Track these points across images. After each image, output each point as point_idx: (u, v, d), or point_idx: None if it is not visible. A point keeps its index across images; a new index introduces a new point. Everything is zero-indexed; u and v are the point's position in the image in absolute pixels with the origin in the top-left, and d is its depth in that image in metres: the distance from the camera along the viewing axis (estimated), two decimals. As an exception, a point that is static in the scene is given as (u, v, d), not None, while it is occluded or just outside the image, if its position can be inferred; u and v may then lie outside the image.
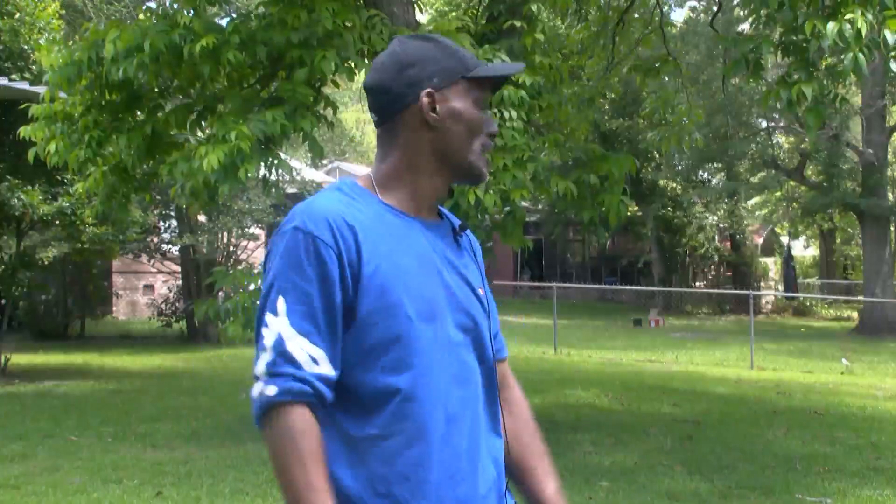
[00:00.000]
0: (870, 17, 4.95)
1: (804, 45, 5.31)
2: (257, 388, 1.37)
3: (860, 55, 4.93)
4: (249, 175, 5.68)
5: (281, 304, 1.37)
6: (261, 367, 1.37)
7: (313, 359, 1.36)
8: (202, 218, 15.18)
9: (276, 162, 6.02)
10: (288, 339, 1.36)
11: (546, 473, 1.63)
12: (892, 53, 5.07)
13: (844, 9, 4.99)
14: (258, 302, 1.43)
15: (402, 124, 1.49)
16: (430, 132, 1.48)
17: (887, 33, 4.92)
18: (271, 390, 1.35)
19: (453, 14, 15.79)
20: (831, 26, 4.92)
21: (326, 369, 1.37)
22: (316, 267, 1.37)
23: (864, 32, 4.89)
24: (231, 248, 16.02)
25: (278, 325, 1.36)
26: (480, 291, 1.55)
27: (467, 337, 1.49)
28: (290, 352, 1.35)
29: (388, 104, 1.50)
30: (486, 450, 1.50)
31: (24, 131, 6.81)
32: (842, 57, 5.04)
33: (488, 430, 1.52)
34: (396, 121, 1.50)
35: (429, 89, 1.47)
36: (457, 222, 1.59)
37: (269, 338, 1.37)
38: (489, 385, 1.54)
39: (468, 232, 1.63)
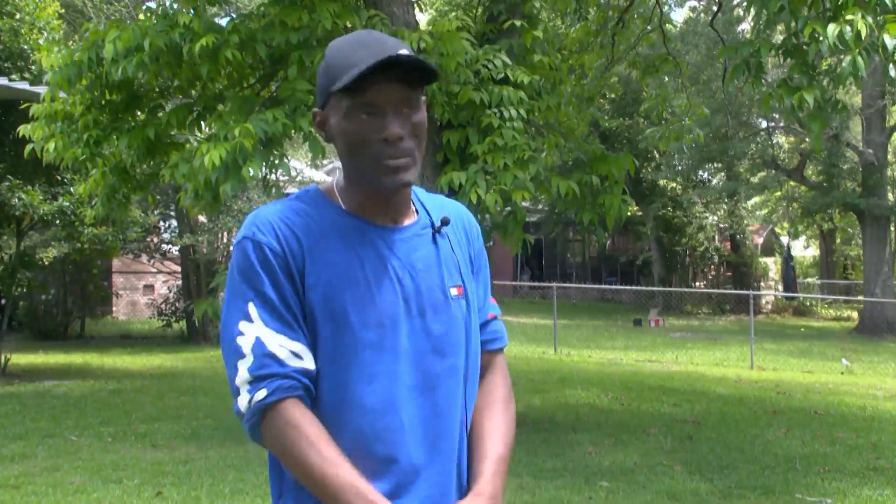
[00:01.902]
0: (870, 20, 4.92)
1: (804, 47, 5.30)
2: (244, 399, 1.37)
3: (859, 59, 4.90)
4: (252, 173, 5.66)
5: (252, 309, 1.38)
6: (242, 375, 1.36)
7: (295, 353, 1.36)
8: (202, 218, 15.17)
9: (276, 162, 6.01)
10: (267, 340, 1.36)
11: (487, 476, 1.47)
12: (894, 57, 5.03)
13: (845, 11, 4.97)
14: (222, 315, 1.43)
15: None
16: (337, 148, 1.47)
17: (886, 38, 4.88)
18: (261, 394, 1.35)
19: (453, 14, 15.79)
20: (832, 28, 4.89)
21: (308, 363, 1.37)
22: (269, 273, 1.38)
23: (864, 35, 4.86)
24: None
25: (255, 330, 1.37)
26: (455, 291, 1.49)
27: (434, 343, 1.44)
28: (273, 351, 1.35)
29: None
30: (452, 459, 1.46)
31: (23, 129, 6.84)
32: (841, 59, 5.01)
33: (461, 438, 1.49)
34: None
35: (315, 109, 1.48)
36: (438, 219, 1.52)
37: (246, 344, 1.36)
38: (471, 387, 1.52)
39: (464, 222, 1.58)
